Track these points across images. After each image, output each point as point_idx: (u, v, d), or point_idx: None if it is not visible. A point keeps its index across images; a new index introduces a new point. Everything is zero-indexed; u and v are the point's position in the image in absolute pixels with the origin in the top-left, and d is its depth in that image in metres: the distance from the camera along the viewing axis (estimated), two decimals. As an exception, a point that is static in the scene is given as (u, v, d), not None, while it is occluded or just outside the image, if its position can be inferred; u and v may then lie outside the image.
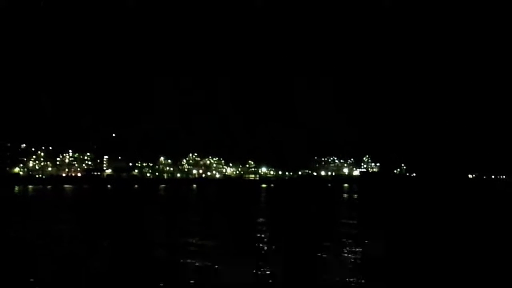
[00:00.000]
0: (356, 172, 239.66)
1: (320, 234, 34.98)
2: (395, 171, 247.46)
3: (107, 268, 23.00)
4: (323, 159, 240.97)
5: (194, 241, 30.87)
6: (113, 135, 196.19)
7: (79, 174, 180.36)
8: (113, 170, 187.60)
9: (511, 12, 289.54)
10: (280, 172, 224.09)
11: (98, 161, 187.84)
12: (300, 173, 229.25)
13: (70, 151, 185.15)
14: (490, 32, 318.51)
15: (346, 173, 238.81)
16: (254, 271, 21.99)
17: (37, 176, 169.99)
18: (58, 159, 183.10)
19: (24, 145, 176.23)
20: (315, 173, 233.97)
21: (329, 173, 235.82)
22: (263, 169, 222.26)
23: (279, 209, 61.86)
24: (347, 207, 67.70)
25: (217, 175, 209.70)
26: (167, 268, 23.07)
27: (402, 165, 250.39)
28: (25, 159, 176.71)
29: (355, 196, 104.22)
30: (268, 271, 22.18)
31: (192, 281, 20.40)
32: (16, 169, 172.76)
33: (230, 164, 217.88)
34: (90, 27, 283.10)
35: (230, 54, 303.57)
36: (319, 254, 26.49)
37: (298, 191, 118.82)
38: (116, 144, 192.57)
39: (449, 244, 31.39)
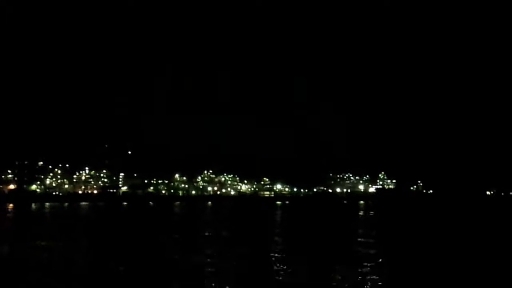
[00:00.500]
0: (371, 189, 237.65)
1: (336, 255, 34.45)
2: (411, 188, 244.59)
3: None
4: (338, 175, 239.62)
5: (209, 261, 30.71)
6: (129, 152, 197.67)
7: (95, 192, 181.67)
8: (128, 187, 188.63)
9: (511, 12, 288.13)
10: (295, 189, 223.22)
11: (114, 178, 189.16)
12: (315, 190, 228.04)
13: (87, 168, 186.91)
14: (490, 32, 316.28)
15: (362, 190, 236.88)
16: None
17: (54, 193, 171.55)
18: (74, 176, 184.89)
19: (41, 162, 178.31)
20: (330, 190, 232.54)
21: (345, 190, 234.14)
22: (278, 186, 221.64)
23: (294, 229, 61.30)
24: (364, 225, 66.93)
25: (232, 192, 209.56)
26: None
27: (419, 181, 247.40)
28: (42, 177, 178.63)
29: (372, 213, 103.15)
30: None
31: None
32: (33, 187, 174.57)
33: (245, 181, 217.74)
34: (90, 27, 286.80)
35: (230, 53, 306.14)
36: (336, 277, 26.15)
37: (314, 208, 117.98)
38: (132, 162, 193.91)
39: (469, 268, 30.74)
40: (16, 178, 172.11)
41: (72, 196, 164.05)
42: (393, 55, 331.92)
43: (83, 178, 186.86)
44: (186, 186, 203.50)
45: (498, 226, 64.82)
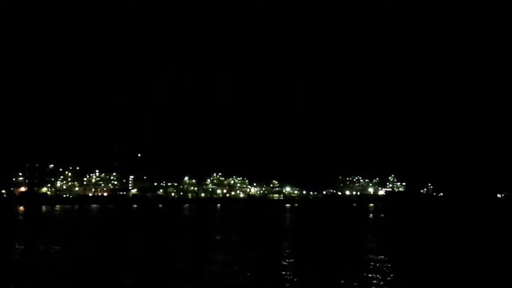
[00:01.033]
0: (381, 192, 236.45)
1: (345, 260, 34.28)
2: (421, 190, 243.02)
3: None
4: (347, 178, 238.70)
5: (217, 268, 30.77)
6: (139, 155, 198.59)
7: (105, 194, 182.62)
8: (138, 190, 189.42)
9: (511, 12, 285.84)
10: (304, 192, 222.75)
11: (124, 181, 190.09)
12: (324, 192, 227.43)
13: (97, 171, 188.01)
14: (490, 32, 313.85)
15: (371, 193, 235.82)
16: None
17: (64, 195, 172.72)
18: (85, 179, 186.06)
19: (52, 165, 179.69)
20: (339, 193, 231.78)
21: (354, 193, 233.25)
22: (287, 189, 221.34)
23: (303, 233, 61.09)
24: (374, 229, 66.63)
25: (241, 195, 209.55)
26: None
27: (429, 184, 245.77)
28: (52, 179, 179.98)
29: (381, 216, 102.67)
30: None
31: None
32: (44, 189, 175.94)
33: (254, 184, 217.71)
34: (91, 28, 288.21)
35: (230, 54, 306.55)
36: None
37: (323, 211, 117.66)
38: (141, 164, 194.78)
39: (478, 272, 30.53)
40: (27, 181, 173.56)
41: (82, 199, 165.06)
42: (397, 55, 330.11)
43: (93, 180, 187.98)
44: (195, 188, 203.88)
45: (508, 230, 64.23)
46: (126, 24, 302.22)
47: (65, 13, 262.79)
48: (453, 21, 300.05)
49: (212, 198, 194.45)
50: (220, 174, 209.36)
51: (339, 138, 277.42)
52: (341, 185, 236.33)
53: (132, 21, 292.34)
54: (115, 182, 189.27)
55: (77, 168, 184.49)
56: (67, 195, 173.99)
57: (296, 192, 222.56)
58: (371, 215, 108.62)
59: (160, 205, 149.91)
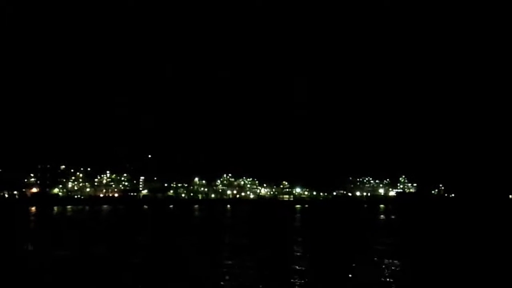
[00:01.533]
0: (392, 193, 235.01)
1: (355, 265, 33.96)
2: (432, 191, 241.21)
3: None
4: (358, 179, 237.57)
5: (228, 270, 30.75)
6: (149, 156, 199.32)
7: (116, 195, 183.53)
8: (149, 191, 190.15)
9: (511, 12, 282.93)
10: (314, 193, 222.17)
11: (134, 182, 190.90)
12: (334, 193, 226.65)
13: (108, 172, 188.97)
14: (490, 32, 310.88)
15: (382, 194, 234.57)
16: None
17: (75, 196, 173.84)
18: (96, 180, 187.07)
19: (63, 166, 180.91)
20: (350, 194, 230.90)
21: (364, 194, 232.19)
22: (297, 190, 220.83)
23: (314, 235, 60.84)
24: (384, 231, 66.24)
25: (251, 196, 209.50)
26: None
27: (440, 185, 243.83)
28: (64, 180, 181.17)
29: (392, 217, 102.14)
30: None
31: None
32: (56, 190, 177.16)
33: (264, 185, 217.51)
34: (91, 28, 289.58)
35: (230, 54, 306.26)
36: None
37: (333, 212, 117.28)
38: (152, 165, 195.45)
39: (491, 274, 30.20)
40: (38, 182, 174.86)
41: (93, 199, 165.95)
42: (404, 55, 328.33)
43: (104, 181, 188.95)
44: (206, 189, 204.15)
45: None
46: (126, 24, 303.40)
47: (66, 13, 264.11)
48: (453, 21, 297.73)
49: (222, 199, 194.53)
50: (230, 175, 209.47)
51: (349, 138, 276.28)
52: (351, 186, 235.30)
53: (132, 21, 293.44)
54: (126, 183, 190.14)
55: (88, 169, 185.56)
56: (79, 196, 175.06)
57: (306, 193, 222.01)
58: (382, 216, 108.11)
59: (170, 206, 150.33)
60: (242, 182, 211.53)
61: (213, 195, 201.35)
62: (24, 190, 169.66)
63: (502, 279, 27.25)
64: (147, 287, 24.54)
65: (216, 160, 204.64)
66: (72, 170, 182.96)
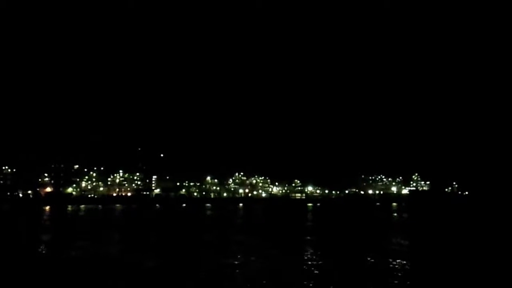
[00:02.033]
0: (405, 191, 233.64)
1: (367, 265, 33.80)
2: (446, 189, 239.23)
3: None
4: (370, 177, 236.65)
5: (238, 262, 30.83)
6: (161, 155, 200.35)
7: (129, 194, 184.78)
8: (161, 190, 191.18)
9: (511, 12, 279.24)
10: (326, 191, 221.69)
11: (147, 181, 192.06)
12: (347, 192, 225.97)
13: (121, 171, 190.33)
14: (490, 32, 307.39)
15: (395, 192, 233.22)
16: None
17: (89, 195, 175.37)
18: (109, 179, 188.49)
19: (77, 166, 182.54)
20: (362, 192, 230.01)
21: (377, 192, 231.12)
22: (309, 188, 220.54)
23: (326, 234, 60.72)
24: (397, 230, 65.88)
25: (263, 194, 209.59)
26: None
27: (454, 183, 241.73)
28: (78, 180, 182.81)
29: (405, 215, 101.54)
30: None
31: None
32: (70, 189, 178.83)
33: (276, 183, 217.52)
34: (101, 30, 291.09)
35: (230, 55, 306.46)
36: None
37: (345, 211, 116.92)
38: (164, 164, 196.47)
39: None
40: (52, 181, 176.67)
41: (106, 199, 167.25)
42: (411, 54, 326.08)
43: (117, 181, 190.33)
44: (218, 188, 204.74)
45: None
46: (128, 24, 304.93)
47: (67, 13, 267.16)
48: (454, 21, 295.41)
49: (234, 198, 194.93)
50: (242, 173, 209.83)
51: (361, 137, 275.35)
52: (364, 184, 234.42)
53: (132, 21, 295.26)
54: (139, 182, 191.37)
55: (102, 168, 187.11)
56: (92, 195, 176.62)
57: (318, 191, 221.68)
58: (394, 214, 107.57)
59: (183, 205, 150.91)
60: (254, 181, 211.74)
61: (225, 194, 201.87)
62: (38, 189, 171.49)
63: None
64: (160, 286, 24.72)
65: (228, 159, 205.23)
66: (85, 170, 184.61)
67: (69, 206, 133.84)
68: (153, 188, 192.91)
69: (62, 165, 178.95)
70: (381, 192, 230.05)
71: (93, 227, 62.14)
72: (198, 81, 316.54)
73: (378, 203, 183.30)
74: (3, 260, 32.06)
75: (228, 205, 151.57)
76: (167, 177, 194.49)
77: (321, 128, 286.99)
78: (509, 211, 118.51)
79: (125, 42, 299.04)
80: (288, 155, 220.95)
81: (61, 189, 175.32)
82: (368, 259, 33.68)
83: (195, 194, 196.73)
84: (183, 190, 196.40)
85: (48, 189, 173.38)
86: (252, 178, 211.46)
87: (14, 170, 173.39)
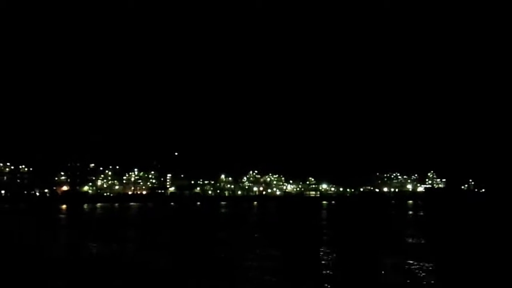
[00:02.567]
0: (420, 188, 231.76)
1: (382, 265, 33.52)
2: (462, 187, 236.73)
3: None
4: (385, 175, 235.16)
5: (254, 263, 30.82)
6: (176, 153, 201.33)
7: (144, 192, 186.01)
8: (176, 188, 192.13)
9: (511, 12, 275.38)
10: (341, 189, 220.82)
11: (162, 179, 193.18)
12: (361, 189, 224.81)
13: (136, 169, 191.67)
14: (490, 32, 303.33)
15: (410, 190, 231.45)
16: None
17: (105, 194, 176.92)
18: (124, 177, 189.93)
19: (92, 164, 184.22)
20: (377, 190, 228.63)
21: (392, 190, 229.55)
22: (324, 186, 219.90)
23: (340, 231, 60.45)
24: (413, 227, 65.35)
25: (278, 192, 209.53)
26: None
27: (470, 180, 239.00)
28: (93, 178, 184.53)
29: (421, 213, 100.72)
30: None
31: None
32: (86, 188, 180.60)
33: (291, 181, 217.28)
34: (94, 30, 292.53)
35: (230, 55, 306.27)
36: None
37: (360, 209, 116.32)
38: (179, 163, 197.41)
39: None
40: (69, 180, 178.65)
41: (122, 197, 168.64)
42: (422, 53, 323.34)
43: (133, 179, 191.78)
44: (232, 186, 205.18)
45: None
46: (131, 24, 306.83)
47: (69, 13, 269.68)
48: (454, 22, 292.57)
49: (248, 196, 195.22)
50: (256, 171, 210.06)
51: (376, 134, 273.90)
52: (379, 181, 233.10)
53: (133, 22, 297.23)
54: (154, 181, 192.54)
55: (117, 167, 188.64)
56: (108, 194, 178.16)
57: (333, 189, 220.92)
58: (410, 212, 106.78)
59: (198, 203, 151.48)
60: (268, 179, 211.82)
61: (239, 192, 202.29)
62: (55, 188, 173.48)
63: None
64: (175, 285, 24.80)
65: (242, 157, 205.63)
66: (101, 168, 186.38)
67: (85, 204, 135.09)
68: (168, 186, 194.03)
69: (78, 164, 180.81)
70: (396, 190, 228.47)
71: (109, 226, 62.61)
72: (212, 80, 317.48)
73: (393, 201, 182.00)
74: (16, 260, 32.44)
75: (243, 203, 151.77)
76: (182, 176, 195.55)
77: (336, 126, 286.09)
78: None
79: (126, 42, 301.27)
80: (303, 152, 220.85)
81: (77, 187, 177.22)
82: (385, 260, 33.46)
83: (210, 192, 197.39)
84: (198, 188, 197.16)
85: (65, 188, 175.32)
86: (266, 176, 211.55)
87: (31, 169, 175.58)
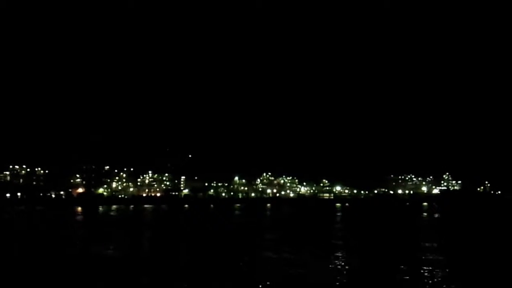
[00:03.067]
0: (435, 191, 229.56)
1: (397, 268, 33.22)
2: (478, 189, 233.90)
3: None
4: (400, 177, 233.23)
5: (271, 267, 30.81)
6: (189, 156, 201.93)
7: (158, 194, 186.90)
8: (190, 190, 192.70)
9: (511, 12, 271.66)
10: (355, 191, 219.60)
11: (176, 181, 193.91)
12: (376, 191, 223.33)
13: (150, 172, 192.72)
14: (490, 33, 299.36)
15: (425, 192, 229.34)
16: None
17: (119, 196, 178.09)
18: (138, 180, 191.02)
19: (107, 167, 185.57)
20: (391, 192, 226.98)
21: (407, 192, 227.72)
22: (338, 188, 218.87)
23: (355, 234, 60.13)
24: (428, 230, 64.81)
25: (291, 194, 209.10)
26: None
27: (486, 182, 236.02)
28: (108, 180, 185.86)
29: (436, 215, 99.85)
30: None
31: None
32: (101, 190, 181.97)
33: (304, 183, 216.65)
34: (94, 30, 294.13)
35: (230, 55, 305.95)
36: None
37: (375, 211, 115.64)
38: (193, 165, 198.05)
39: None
40: (84, 182, 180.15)
41: (136, 199, 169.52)
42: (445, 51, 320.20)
43: (147, 181, 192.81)
44: (246, 188, 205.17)
45: None
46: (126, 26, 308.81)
47: (69, 13, 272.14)
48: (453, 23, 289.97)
49: (262, 198, 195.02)
50: (270, 173, 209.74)
51: (391, 136, 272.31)
52: (393, 183, 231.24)
53: (134, 22, 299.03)
54: (168, 183, 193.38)
55: (131, 169, 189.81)
56: (122, 196, 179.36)
57: (346, 191, 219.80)
58: (425, 214, 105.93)
59: (211, 205, 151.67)
60: (282, 181, 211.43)
61: (253, 194, 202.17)
62: (70, 190, 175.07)
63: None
64: (192, 285, 24.93)
65: (256, 159, 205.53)
66: (116, 171, 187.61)
67: (101, 206, 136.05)
68: (182, 188, 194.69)
69: (93, 166, 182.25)
70: (411, 192, 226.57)
71: (125, 227, 63.05)
72: (226, 82, 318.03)
73: (407, 203, 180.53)
74: (33, 259, 32.86)
75: (256, 205, 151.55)
76: (196, 178, 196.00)
77: (350, 128, 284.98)
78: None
79: (128, 42, 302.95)
80: (316, 154, 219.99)
81: (92, 189, 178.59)
82: (401, 261, 33.25)
83: (223, 194, 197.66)
84: (211, 190, 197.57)
85: (80, 190, 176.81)
86: (280, 178, 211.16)
87: (47, 171, 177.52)
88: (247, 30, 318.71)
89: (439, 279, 26.74)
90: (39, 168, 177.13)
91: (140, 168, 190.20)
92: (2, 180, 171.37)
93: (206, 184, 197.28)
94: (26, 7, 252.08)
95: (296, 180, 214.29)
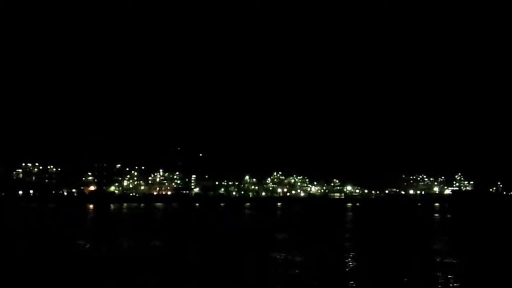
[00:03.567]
0: (447, 191, 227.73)
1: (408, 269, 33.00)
2: (490, 189, 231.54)
3: None
4: (411, 177, 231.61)
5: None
6: (200, 154, 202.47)
7: (169, 193, 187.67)
8: (200, 189, 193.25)
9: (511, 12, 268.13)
10: (366, 191, 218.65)
11: (187, 180, 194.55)
12: (387, 191, 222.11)
13: (161, 170, 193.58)
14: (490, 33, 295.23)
15: (437, 192, 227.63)
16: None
17: (131, 194, 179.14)
18: (149, 178, 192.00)
19: (119, 165, 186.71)
20: (403, 192, 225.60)
21: (418, 192, 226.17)
22: (349, 188, 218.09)
23: (365, 234, 59.85)
24: (440, 232, 64.33)
25: (302, 194, 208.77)
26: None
27: (499, 183, 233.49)
28: (120, 179, 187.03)
29: (448, 216, 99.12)
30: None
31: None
32: (112, 188, 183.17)
33: (315, 183, 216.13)
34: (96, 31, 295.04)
35: (240, 54, 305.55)
36: None
37: (386, 211, 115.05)
38: (203, 164, 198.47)
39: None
40: (95, 180, 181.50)
41: (147, 197, 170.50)
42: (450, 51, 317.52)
43: (158, 179, 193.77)
44: (256, 187, 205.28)
45: None
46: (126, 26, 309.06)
47: (69, 13, 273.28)
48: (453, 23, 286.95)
49: (272, 197, 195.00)
50: (280, 173, 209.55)
51: (403, 135, 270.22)
52: (405, 184, 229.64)
53: (134, 22, 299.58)
54: (178, 181, 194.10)
55: (143, 167, 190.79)
56: (134, 194, 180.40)
57: (357, 191, 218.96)
58: (436, 214, 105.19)
59: (222, 204, 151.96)
60: (293, 180, 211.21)
61: (263, 193, 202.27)
62: (82, 188, 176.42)
63: None
64: (202, 284, 24.93)
65: (266, 158, 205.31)
66: (127, 169, 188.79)
67: (112, 204, 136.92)
68: (193, 187, 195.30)
69: (105, 164, 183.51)
70: (423, 192, 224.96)
71: (135, 225, 63.33)
72: (236, 81, 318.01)
73: (419, 204, 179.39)
74: (40, 257, 33.10)
75: (267, 205, 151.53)
76: (206, 176, 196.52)
77: (362, 127, 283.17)
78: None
79: (131, 42, 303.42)
80: (327, 154, 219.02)
81: (104, 187, 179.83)
82: (411, 261, 33.02)
83: (234, 193, 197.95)
84: (222, 189, 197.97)
85: (92, 188, 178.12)
86: (291, 178, 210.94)
87: (59, 169, 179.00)
88: (250, 29, 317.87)
89: (451, 282, 26.47)
90: (52, 166, 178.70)
91: (151, 167, 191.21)
92: (14, 177, 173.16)
93: (217, 183, 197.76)
94: (26, 7, 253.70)
95: (307, 180, 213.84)
